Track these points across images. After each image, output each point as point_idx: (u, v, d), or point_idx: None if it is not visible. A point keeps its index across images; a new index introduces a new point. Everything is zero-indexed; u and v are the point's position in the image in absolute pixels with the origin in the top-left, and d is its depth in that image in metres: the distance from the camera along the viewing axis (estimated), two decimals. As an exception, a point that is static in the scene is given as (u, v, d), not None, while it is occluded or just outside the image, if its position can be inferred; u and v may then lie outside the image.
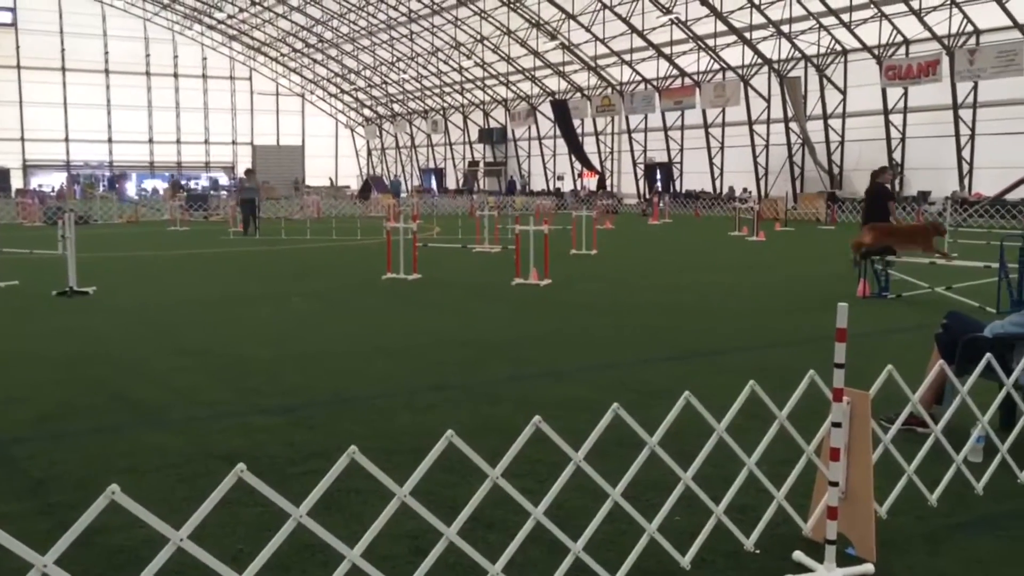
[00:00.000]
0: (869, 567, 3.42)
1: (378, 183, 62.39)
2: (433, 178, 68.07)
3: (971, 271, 11.55)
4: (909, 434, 4.76)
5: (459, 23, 54.32)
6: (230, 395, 6.43)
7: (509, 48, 54.48)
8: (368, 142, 78.44)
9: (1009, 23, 33.42)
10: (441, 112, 67.74)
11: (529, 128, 60.55)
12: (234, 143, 73.26)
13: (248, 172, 28.37)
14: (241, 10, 62.89)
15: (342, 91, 74.05)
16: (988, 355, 4.40)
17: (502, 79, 58.97)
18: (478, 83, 61.54)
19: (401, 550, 3.59)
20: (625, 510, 3.32)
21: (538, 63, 54.58)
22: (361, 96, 73.69)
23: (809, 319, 9.95)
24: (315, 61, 69.63)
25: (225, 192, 53.83)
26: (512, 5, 49.41)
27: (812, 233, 27.96)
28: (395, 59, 63.49)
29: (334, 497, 4.02)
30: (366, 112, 76.28)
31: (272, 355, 7.89)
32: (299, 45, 67.32)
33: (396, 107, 72.09)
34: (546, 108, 56.30)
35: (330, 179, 69.23)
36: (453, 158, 68.93)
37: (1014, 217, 28.11)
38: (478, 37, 54.66)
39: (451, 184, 66.57)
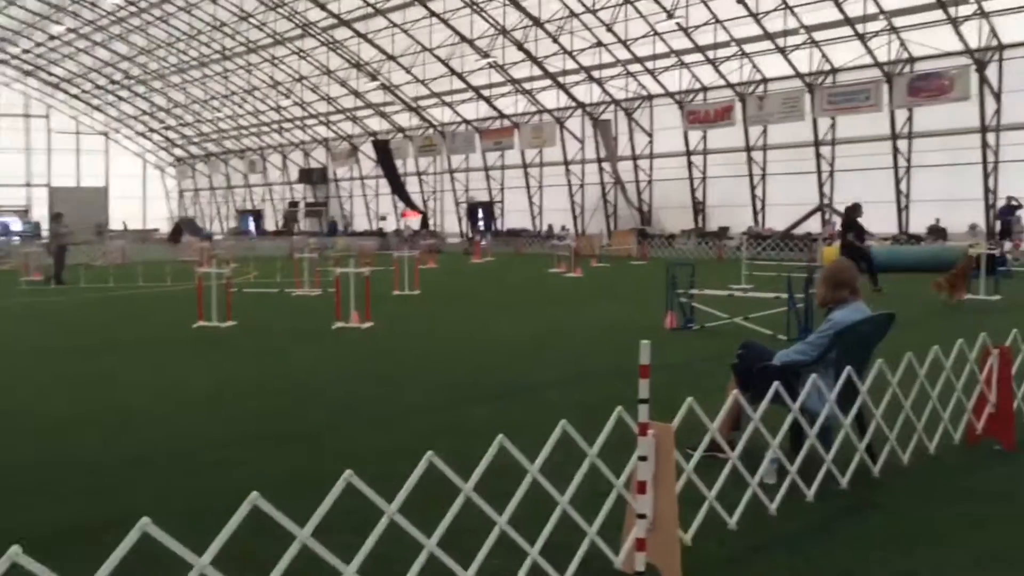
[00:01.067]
0: (676, 594, 3.58)
1: (190, 225, 59.72)
2: (251, 220, 65.99)
3: (765, 301, 12.45)
4: (712, 460, 5.02)
5: (276, 61, 53.34)
6: (10, 460, 5.90)
7: (329, 88, 54.01)
8: (179, 183, 75.10)
9: (792, 72, 36.71)
10: (259, 152, 66.00)
11: (351, 168, 60.09)
12: (28, 185, 68.13)
13: (56, 216, 26.44)
14: (38, 44, 58.90)
15: (151, 130, 70.69)
16: (776, 383, 4.74)
17: (322, 119, 58.30)
18: (297, 122, 60.52)
19: (208, 619, 3.40)
20: (448, 558, 3.31)
21: (359, 103, 54.41)
22: (171, 135, 70.60)
23: (623, 352, 10.32)
24: (120, 98, 66.14)
25: (17, 238, 49.81)
26: (331, 45, 49.11)
27: (625, 268, 29.25)
28: (209, 97, 61.38)
29: (133, 568, 3.75)
30: (177, 152, 73.09)
31: (66, 413, 7.32)
32: (103, 81, 63.72)
33: (211, 146, 69.54)
34: (368, 148, 56.12)
35: (123, 223, 64.42)
36: (272, 199, 67.19)
37: (801, 250, 30.58)
38: (297, 76, 53.86)
39: (270, 226, 64.79)
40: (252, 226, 64.55)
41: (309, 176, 62.06)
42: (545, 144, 47.33)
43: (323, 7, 44.78)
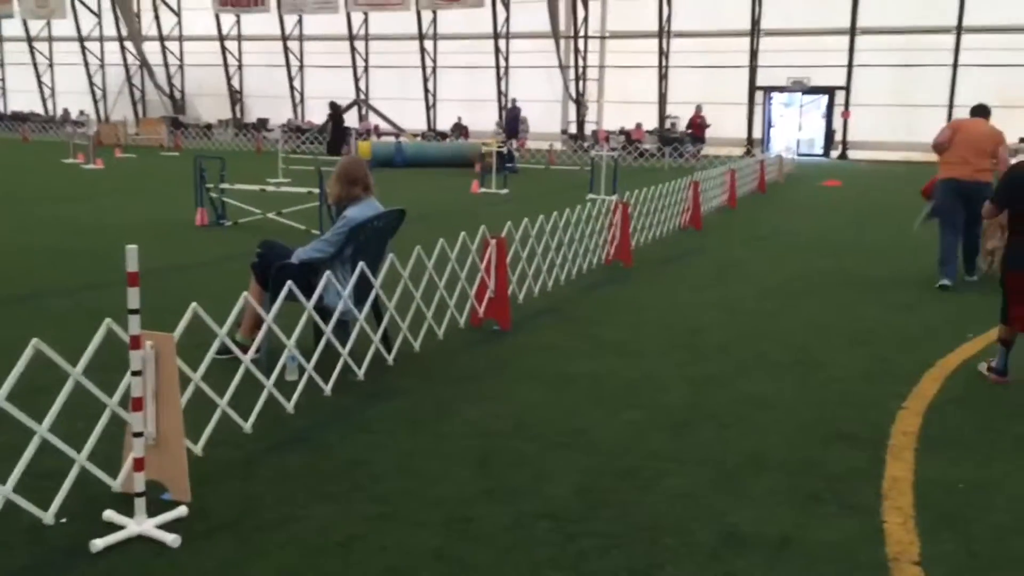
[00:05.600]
0: (182, 509, 3.42)
1: None
2: None
3: (300, 196, 12.38)
4: (234, 364, 4.87)
5: None
6: None
7: None
8: None
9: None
10: None
11: None
12: None
13: None
14: None
15: None
16: (289, 282, 4.71)
17: None
18: None
19: None
20: None
21: None
22: None
23: (149, 254, 9.59)
24: None
25: None
26: None
27: (155, 160, 27.09)
28: None
29: None
30: None
31: None
32: None
33: None
34: None
35: None
36: None
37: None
38: None
39: None
40: None
41: None
42: (53, 15, 41.24)
43: None
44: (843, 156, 32.11)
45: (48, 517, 3.29)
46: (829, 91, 32.68)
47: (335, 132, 27.47)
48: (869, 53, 30.89)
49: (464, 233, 6.46)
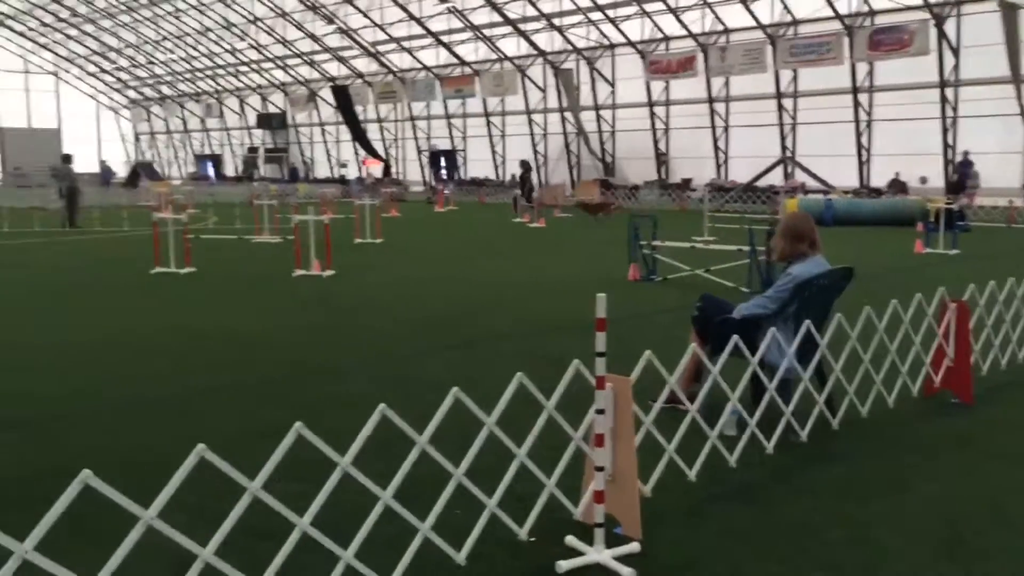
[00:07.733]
0: (635, 545, 3.57)
1: (147, 170, 58.43)
2: (210, 165, 64.62)
3: (727, 254, 12.46)
4: (673, 412, 5.02)
5: (230, 2, 51.79)
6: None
7: (285, 31, 52.66)
8: (135, 126, 73.07)
9: (754, 23, 36.49)
10: (215, 95, 64.36)
11: (310, 114, 58.91)
12: (-26, 126, 65.85)
13: (67, 157, 25.48)
14: (-23, -22, 56.47)
15: (102, 70, 68.41)
16: (735, 336, 4.72)
17: (279, 63, 56.91)
18: (254, 66, 59.01)
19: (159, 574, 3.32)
20: (403, 509, 3.25)
21: (316, 47, 53.16)
22: (124, 76, 68.43)
23: (586, 303, 10.32)
24: (69, 37, 63.78)
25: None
26: (287, -14, 47.79)
27: (589, 219, 29.18)
28: (161, 37, 59.49)
29: (82, 521, 3.65)
30: (130, 93, 71.00)
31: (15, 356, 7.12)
32: (49, 19, 61.34)
33: (165, 89, 67.61)
34: (327, 93, 55.02)
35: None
36: (231, 144, 65.75)
37: (763, 202, 30.74)
38: (251, 18, 52.38)
39: (229, 171, 63.54)
40: (211, 171, 63.27)
41: (268, 121, 60.74)
42: (507, 92, 46.75)
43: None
44: None
45: (523, 534, 3.64)
46: None
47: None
48: None
49: (920, 295, 5.96)
